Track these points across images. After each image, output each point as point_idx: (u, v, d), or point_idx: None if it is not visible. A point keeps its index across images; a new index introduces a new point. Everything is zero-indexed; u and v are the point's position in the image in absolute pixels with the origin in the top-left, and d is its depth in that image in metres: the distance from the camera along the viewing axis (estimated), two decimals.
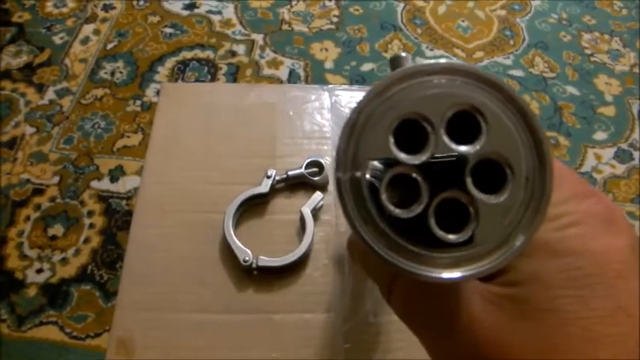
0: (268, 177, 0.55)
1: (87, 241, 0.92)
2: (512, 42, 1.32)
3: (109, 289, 0.87)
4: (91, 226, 0.94)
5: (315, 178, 0.55)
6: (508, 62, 1.28)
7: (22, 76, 1.16)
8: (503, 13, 1.39)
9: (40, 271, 0.89)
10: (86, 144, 1.05)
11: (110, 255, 0.90)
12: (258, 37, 1.25)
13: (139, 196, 0.56)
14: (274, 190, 0.55)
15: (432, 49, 1.27)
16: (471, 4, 1.40)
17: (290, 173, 0.55)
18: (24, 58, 1.19)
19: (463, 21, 1.36)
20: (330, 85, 0.65)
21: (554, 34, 1.36)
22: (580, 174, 1.09)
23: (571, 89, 1.24)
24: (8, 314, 0.85)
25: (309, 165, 0.56)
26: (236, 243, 0.50)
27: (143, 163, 0.93)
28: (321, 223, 0.54)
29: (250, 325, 0.48)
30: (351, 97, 0.64)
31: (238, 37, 1.25)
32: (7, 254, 0.91)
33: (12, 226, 0.94)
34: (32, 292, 0.87)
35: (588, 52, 1.32)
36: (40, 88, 1.14)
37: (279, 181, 0.55)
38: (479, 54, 1.28)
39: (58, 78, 1.16)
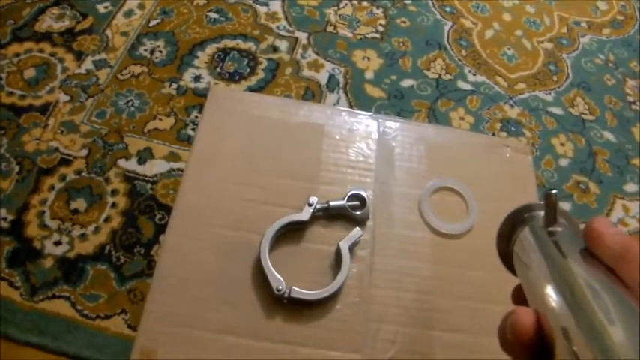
0: (310, 205, 0.54)
1: (108, 220, 0.92)
2: (555, 78, 1.30)
3: (124, 272, 0.87)
4: (114, 205, 0.94)
5: (357, 213, 0.55)
6: (549, 98, 1.26)
7: (62, 40, 1.15)
8: (550, 46, 1.37)
9: (58, 243, 0.90)
10: (118, 120, 1.05)
11: (129, 238, 0.91)
12: (302, 36, 1.24)
13: (176, 203, 0.56)
14: (313, 218, 0.55)
15: (474, 74, 1.25)
16: (519, 33, 1.38)
17: (332, 204, 0.55)
18: (66, 23, 1.18)
19: (509, 49, 1.33)
20: (380, 115, 0.64)
21: (599, 75, 1.33)
22: None
23: (608, 135, 1.22)
24: (22, 282, 0.86)
25: (351, 197, 0.56)
26: (270, 270, 0.50)
27: (174, 149, 0.93)
28: (356, 259, 0.54)
29: (275, 354, 0.48)
30: (400, 130, 0.64)
31: (282, 33, 1.24)
32: (27, 221, 0.91)
33: (35, 194, 0.94)
34: (48, 263, 0.88)
35: (630, 98, 1.30)
36: (79, 56, 1.13)
37: (319, 210, 0.55)
38: (520, 85, 1.26)
39: (98, 48, 1.15)
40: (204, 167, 0.58)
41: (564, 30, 1.42)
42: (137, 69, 1.13)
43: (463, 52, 1.29)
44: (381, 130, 0.63)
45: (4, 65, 1.10)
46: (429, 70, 1.24)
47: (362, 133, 0.63)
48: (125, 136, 1.03)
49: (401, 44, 1.27)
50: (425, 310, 0.52)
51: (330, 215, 0.56)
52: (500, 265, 0.56)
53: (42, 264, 0.88)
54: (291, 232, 0.54)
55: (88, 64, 1.13)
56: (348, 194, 0.56)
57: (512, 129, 1.18)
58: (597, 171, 1.16)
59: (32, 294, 0.85)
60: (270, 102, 0.64)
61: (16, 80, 1.09)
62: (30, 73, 1.10)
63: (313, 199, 0.54)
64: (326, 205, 0.55)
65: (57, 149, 1.00)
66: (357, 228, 0.54)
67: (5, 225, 0.91)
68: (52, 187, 0.95)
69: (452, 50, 1.29)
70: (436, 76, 1.23)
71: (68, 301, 0.84)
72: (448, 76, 1.23)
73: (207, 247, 0.53)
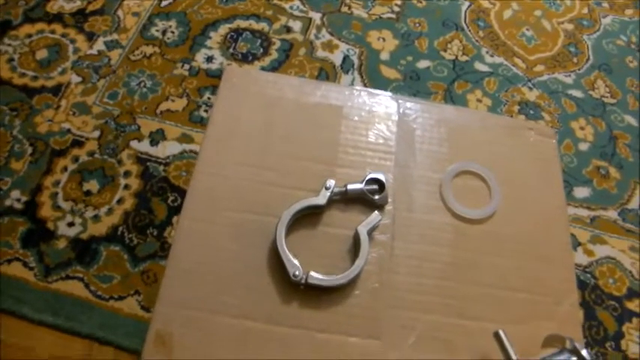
0: (327, 188, 0.53)
1: (120, 201, 0.92)
2: (575, 60, 1.26)
3: (137, 253, 0.87)
4: (127, 187, 0.93)
5: (375, 197, 0.53)
6: (569, 81, 1.22)
7: (73, 21, 1.14)
8: (570, 27, 1.33)
9: (71, 224, 0.89)
10: (130, 102, 1.03)
11: (142, 219, 0.90)
12: (316, 16, 1.21)
13: (190, 186, 0.54)
14: (330, 202, 0.53)
15: (492, 55, 1.22)
16: (538, 13, 1.34)
17: (349, 187, 0.53)
18: (77, 4, 1.17)
19: (528, 29, 1.29)
20: (400, 96, 0.62)
21: (621, 57, 1.29)
22: (626, 210, 1.05)
23: (629, 119, 1.19)
24: (36, 263, 0.86)
25: (369, 181, 0.54)
26: (287, 255, 0.49)
27: (187, 131, 0.91)
28: (375, 244, 0.52)
29: (292, 339, 0.47)
30: (420, 112, 0.62)
31: (295, 13, 1.21)
32: (41, 202, 0.91)
33: (48, 175, 0.94)
34: (62, 244, 0.88)
35: None
36: (91, 37, 1.12)
37: (336, 194, 0.53)
38: (540, 67, 1.23)
39: (109, 29, 1.13)
40: (219, 149, 0.57)
41: (585, 10, 1.37)
42: (149, 50, 1.11)
43: (480, 33, 1.26)
44: (401, 111, 0.61)
45: (16, 46, 1.09)
46: (445, 51, 1.21)
47: (381, 115, 0.61)
48: (137, 118, 1.02)
49: (417, 25, 1.24)
50: (446, 296, 0.51)
51: (348, 199, 0.54)
52: (522, 252, 0.54)
53: (55, 245, 0.87)
54: (308, 216, 0.53)
55: (99, 44, 1.11)
56: (367, 178, 0.54)
57: (531, 112, 1.15)
58: (618, 155, 1.13)
59: (46, 275, 0.85)
60: (286, 82, 0.62)
61: (28, 61, 1.07)
62: (42, 54, 1.09)
63: (331, 183, 0.53)
64: (344, 189, 0.53)
65: (69, 130, 0.99)
66: (376, 212, 0.52)
67: (19, 206, 0.91)
68: (65, 169, 0.95)
69: (469, 31, 1.26)
70: (453, 57, 1.20)
71: (82, 282, 0.84)
72: (465, 58, 1.20)
73: (222, 231, 0.52)
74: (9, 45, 1.09)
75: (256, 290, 0.49)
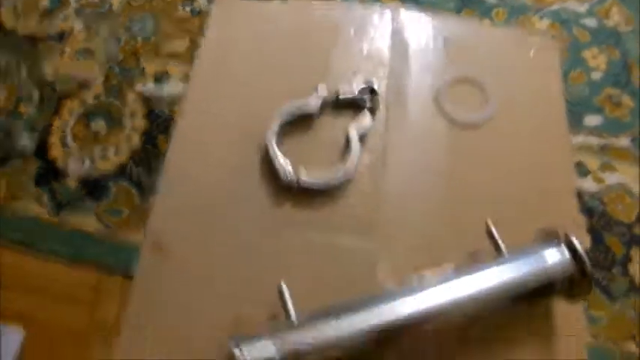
0: (318, 94, 0.53)
1: (128, 140, 0.94)
2: None
3: (145, 188, 0.89)
4: (133, 128, 0.95)
5: (367, 102, 0.53)
6: (581, 10, 1.18)
7: None
8: None
9: (80, 163, 0.92)
10: (133, 45, 1.04)
11: (149, 156, 0.92)
12: None
13: (186, 97, 0.55)
14: (323, 109, 0.53)
15: None
16: None
17: (341, 93, 0.53)
18: None
19: None
20: (397, 5, 0.61)
21: None
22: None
23: None
24: (49, 200, 0.89)
25: (361, 88, 0.54)
26: (278, 158, 0.49)
27: (190, 70, 0.91)
28: (367, 149, 0.52)
29: (285, 239, 0.48)
30: (416, 22, 0.60)
31: None
32: (50, 143, 0.93)
33: (56, 117, 0.96)
34: (72, 182, 0.90)
35: None
36: None
37: (328, 100, 0.53)
38: None
39: None
40: (213, 69, 0.57)
41: None
42: None
43: None
44: (395, 23, 0.60)
45: None
46: None
47: (375, 26, 0.60)
48: (141, 60, 1.02)
49: None
50: (438, 202, 0.51)
51: (340, 106, 0.54)
52: (513, 164, 0.53)
53: (66, 183, 0.90)
54: (300, 123, 0.53)
55: None
56: (359, 85, 0.54)
57: None
58: (632, 84, 1.10)
59: (58, 211, 0.88)
60: (281, 8, 0.61)
61: (31, 10, 1.08)
62: (44, 2, 1.09)
63: (322, 87, 0.53)
64: (335, 96, 0.53)
65: (75, 76, 1.00)
66: (368, 115, 0.52)
67: (30, 148, 0.93)
68: (72, 111, 0.97)
69: None
70: None
71: (93, 217, 0.87)
72: None
73: (214, 141, 0.53)
74: None
75: (249, 195, 0.50)
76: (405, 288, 0.43)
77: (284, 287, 0.42)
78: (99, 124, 0.95)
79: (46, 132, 0.94)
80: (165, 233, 0.48)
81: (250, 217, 0.49)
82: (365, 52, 0.58)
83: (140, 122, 0.95)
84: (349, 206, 0.50)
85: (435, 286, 0.43)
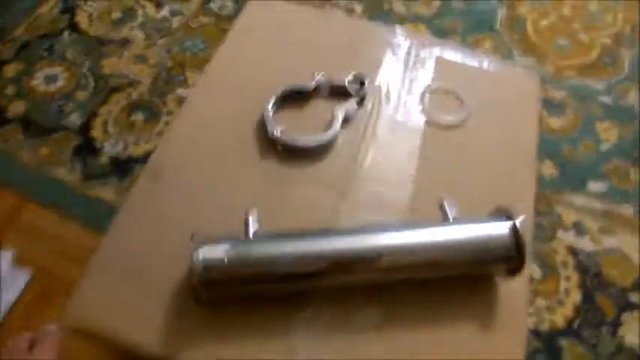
0: (314, 78, 0.61)
1: (159, 133, 1.04)
2: (609, 69, 1.29)
3: None
4: (167, 123, 1.06)
5: (356, 91, 0.61)
6: (599, 87, 1.24)
7: None
8: (608, 41, 1.36)
9: (114, 145, 1.02)
10: (182, 57, 1.18)
11: None
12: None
13: (204, 73, 0.65)
14: (317, 92, 0.61)
15: (521, 56, 1.27)
16: (576, 26, 1.38)
17: (335, 80, 0.61)
18: None
19: (563, 39, 1.34)
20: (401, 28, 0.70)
21: None
22: None
23: None
24: (80, 170, 0.99)
25: (354, 79, 0.62)
26: (270, 119, 0.57)
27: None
28: (351, 128, 0.59)
29: (263, 184, 0.54)
30: (415, 41, 0.69)
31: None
32: (93, 125, 1.05)
33: (104, 105, 1.08)
34: (103, 159, 1.00)
35: None
36: (158, 4, 1.29)
37: (322, 85, 0.61)
38: (569, 72, 1.26)
39: (176, 0, 1.30)
40: (231, 50, 0.67)
41: (627, 28, 1.40)
42: (206, 19, 1.26)
43: (515, 36, 1.32)
44: (396, 39, 0.69)
45: (96, 7, 1.28)
46: (477, 47, 1.28)
47: (377, 40, 0.69)
48: (186, 70, 1.15)
49: (452, 23, 1.32)
50: (407, 177, 0.56)
51: (333, 92, 0.62)
52: (479, 159, 0.58)
53: (98, 159, 1.00)
54: (296, 101, 0.61)
55: (165, 11, 1.28)
56: (351, 75, 0.62)
57: (554, 109, 1.19)
58: None
59: (85, 180, 0.97)
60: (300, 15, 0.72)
61: (104, 19, 1.25)
62: (116, 15, 1.27)
63: (318, 75, 0.61)
64: (329, 81, 0.61)
65: (127, 75, 1.14)
66: (354, 101, 0.60)
67: (75, 126, 1.05)
68: (118, 102, 1.09)
69: (503, 34, 1.32)
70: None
71: (114, 191, 0.96)
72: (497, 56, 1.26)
73: (222, 107, 0.61)
74: (90, 6, 1.28)
75: (242, 146, 0.57)
76: (354, 228, 0.48)
77: (250, 215, 0.48)
78: (138, 116, 1.07)
79: (92, 115, 1.07)
80: (164, 164, 0.56)
81: (238, 163, 0.56)
82: (363, 56, 0.67)
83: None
84: (326, 170, 0.56)
85: (379, 231, 0.48)
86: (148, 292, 0.47)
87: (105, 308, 0.47)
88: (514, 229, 0.47)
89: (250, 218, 0.47)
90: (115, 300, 0.47)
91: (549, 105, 1.19)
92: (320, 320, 0.46)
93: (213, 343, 0.45)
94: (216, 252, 0.44)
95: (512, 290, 0.50)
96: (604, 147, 1.14)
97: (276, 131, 0.56)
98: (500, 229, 0.48)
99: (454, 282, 0.50)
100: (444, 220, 0.50)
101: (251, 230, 0.46)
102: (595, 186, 1.08)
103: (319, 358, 0.45)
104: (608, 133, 1.17)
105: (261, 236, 0.46)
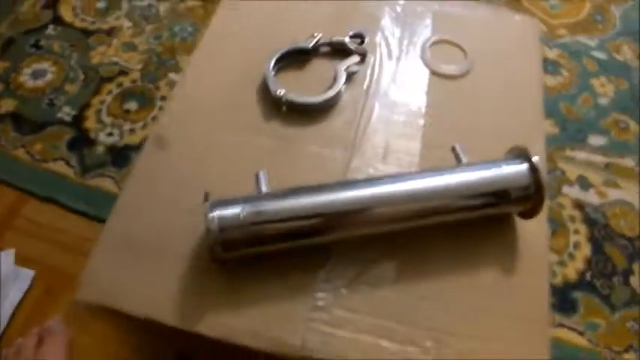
0: (314, 37, 0.60)
1: (155, 119, 1.02)
2: (600, 26, 1.28)
3: None
4: (161, 108, 1.04)
5: (357, 47, 0.60)
6: (591, 44, 1.24)
7: None
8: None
9: (110, 134, 1.01)
10: (172, 42, 1.16)
11: None
12: None
13: (202, 40, 0.63)
14: (318, 52, 0.60)
15: None
16: None
17: (334, 38, 0.60)
18: None
19: None
20: None
21: None
22: None
23: None
24: (77, 163, 0.97)
25: (353, 36, 0.61)
26: (272, 79, 0.56)
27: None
28: (353, 86, 0.58)
29: (270, 145, 0.53)
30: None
31: None
32: (87, 116, 1.03)
33: (96, 95, 1.06)
34: (100, 150, 0.99)
35: None
36: None
37: (322, 43, 0.60)
38: (561, 31, 1.26)
39: None
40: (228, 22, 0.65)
41: None
42: (192, 3, 1.24)
43: None
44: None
45: None
46: None
47: (374, 1, 0.68)
48: (177, 55, 1.13)
49: None
50: (415, 129, 0.55)
51: (333, 50, 0.61)
52: (486, 105, 0.57)
53: (95, 150, 0.99)
54: (297, 61, 0.60)
55: None
56: (351, 32, 0.61)
57: (549, 67, 1.18)
58: None
59: (83, 172, 0.96)
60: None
61: (89, 9, 1.23)
62: (100, 4, 1.24)
63: (318, 33, 0.60)
64: (329, 39, 0.60)
65: (117, 63, 1.12)
66: (356, 57, 0.59)
67: (68, 118, 1.03)
68: (110, 92, 1.07)
69: None
70: None
71: (113, 180, 0.94)
72: None
73: (225, 69, 0.60)
74: None
75: (245, 111, 0.56)
76: (367, 179, 0.48)
77: (261, 174, 0.47)
78: (131, 104, 1.05)
79: (84, 107, 1.05)
80: (168, 130, 0.54)
81: (243, 126, 0.55)
82: (360, 14, 0.66)
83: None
84: (332, 127, 0.55)
85: (394, 180, 0.47)
86: (161, 263, 0.46)
87: (119, 282, 0.46)
88: (532, 168, 0.46)
89: (261, 177, 0.46)
90: (129, 273, 0.46)
91: (544, 64, 1.18)
92: (341, 276, 0.45)
93: (231, 310, 0.43)
94: (231, 209, 0.43)
95: (532, 231, 0.49)
96: (602, 101, 1.14)
97: (280, 91, 0.55)
98: (517, 168, 0.47)
99: (472, 228, 0.49)
100: (458, 164, 0.49)
101: (263, 188, 0.45)
102: (596, 140, 1.08)
103: (343, 314, 0.44)
104: (605, 88, 1.16)
105: (274, 192, 0.45)
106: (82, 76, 1.10)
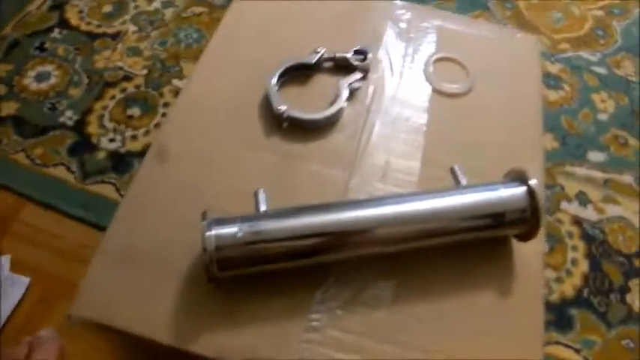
0: (317, 52, 0.60)
1: (157, 125, 1.03)
2: (602, 42, 1.29)
3: None
4: (164, 114, 1.05)
5: (359, 63, 0.60)
6: (593, 59, 1.24)
7: None
8: (600, 13, 1.36)
9: (112, 140, 1.01)
10: (176, 48, 1.16)
11: None
12: None
13: (206, 51, 0.64)
14: (321, 67, 0.61)
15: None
16: (567, 0, 1.38)
17: (337, 54, 0.61)
18: None
19: (556, 12, 1.34)
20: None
21: None
22: None
23: None
24: (77, 168, 0.97)
25: (357, 52, 0.61)
26: (274, 94, 0.56)
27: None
28: (355, 102, 0.59)
29: (269, 161, 0.54)
30: (412, 13, 0.68)
31: None
32: (89, 121, 1.04)
33: (99, 100, 1.07)
34: (101, 155, 0.99)
35: None
36: None
37: (325, 58, 0.60)
38: (564, 45, 1.26)
39: None
40: (231, 32, 0.66)
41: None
42: (199, 9, 1.25)
43: (507, 13, 1.31)
44: (394, 14, 0.68)
45: (86, 1, 1.26)
46: None
47: (377, 14, 0.68)
48: (181, 61, 1.14)
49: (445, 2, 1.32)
50: (415, 146, 0.56)
51: (336, 66, 0.61)
52: (487, 125, 0.57)
53: (96, 155, 0.99)
54: (299, 76, 0.60)
55: (157, 4, 1.26)
56: (354, 48, 0.61)
57: (551, 82, 1.18)
58: (638, 128, 1.13)
59: (84, 178, 0.96)
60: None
61: (95, 13, 1.24)
62: (107, 8, 1.25)
63: (321, 48, 0.60)
64: (332, 55, 0.61)
65: (121, 68, 1.13)
66: (359, 74, 0.59)
67: (70, 123, 1.04)
68: (113, 97, 1.08)
69: (495, 10, 1.32)
70: None
71: (113, 187, 0.95)
72: None
73: (227, 83, 0.60)
74: (80, 0, 1.26)
75: (247, 125, 0.56)
76: (367, 199, 0.48)
77: (260, 192, 0.47)
78: (134, 110, 1.06)
79: (87, 112, 1.05)
80: (170, 140, 0.55)
81: (245, 140, 0.55)
82: (364, 30, 0.66)
83: None
84: (333, 144, 0.55)
85: (394, 201, 0.47)
86: (158, 278, 0.46)
87: (114, 298, 0.45)
88: (529, 191, 0.47)
89: (260, 195, 0.46)
90: (125, 288, 0.46)
91: (546, 78, 1.19)
92: (337, 297, 0.46)
93: (226, 330, 0.43)
94: (228, 228, 0.43)
95: (528, 254, 0.50)
96: (601, 117, 1.14)
97: (281, 107, 0.55)
98: (514, 191, 0.47)
99: (469, 249, 0.49)
100: (456, 185, 0.50)
101: (262, 207, 0.46)
102: (595, 156, 1.08)
103: (338, 336, 0.44)
104: (605, 104, 1.17)
105: (273, 211, 0.45)
106: (85, 81, 1.11)
